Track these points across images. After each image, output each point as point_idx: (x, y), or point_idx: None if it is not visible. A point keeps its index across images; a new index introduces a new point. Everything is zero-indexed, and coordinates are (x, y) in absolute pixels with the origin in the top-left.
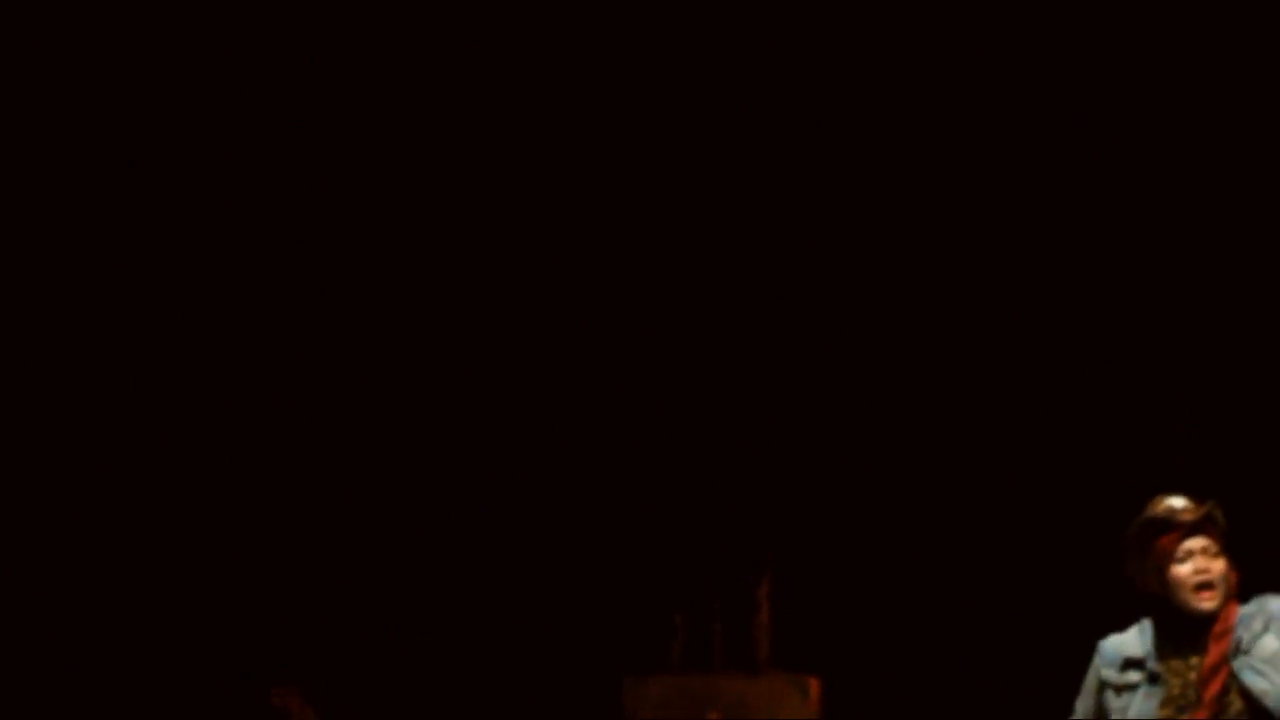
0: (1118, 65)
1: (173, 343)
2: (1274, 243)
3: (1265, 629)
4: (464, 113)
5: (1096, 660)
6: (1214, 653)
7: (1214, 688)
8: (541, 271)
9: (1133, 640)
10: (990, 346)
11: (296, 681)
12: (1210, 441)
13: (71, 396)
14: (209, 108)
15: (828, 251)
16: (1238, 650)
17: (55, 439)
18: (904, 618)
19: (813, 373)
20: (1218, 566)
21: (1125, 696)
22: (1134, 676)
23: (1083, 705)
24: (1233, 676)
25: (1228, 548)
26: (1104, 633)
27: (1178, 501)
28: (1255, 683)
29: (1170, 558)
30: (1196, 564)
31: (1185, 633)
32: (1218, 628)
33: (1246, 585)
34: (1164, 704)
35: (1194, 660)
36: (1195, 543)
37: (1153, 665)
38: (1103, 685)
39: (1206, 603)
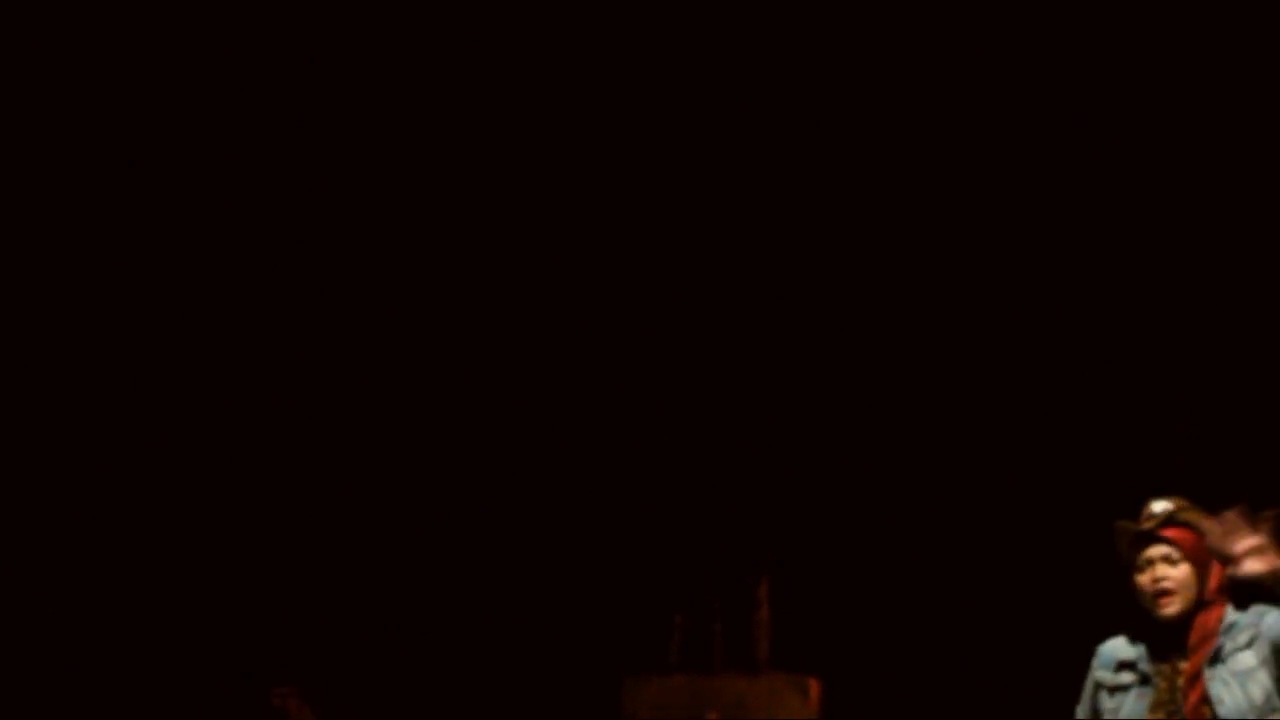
0: (1118, 65)
1: (173, 343)
2: (1274, 243)
3: (1249, 644)
4: (464, 113)
5: (1094, 662)
6: (1193, 662)
7: (1194, 697)
8: (541, 272)
9: (1128, 643)
10: (990, 347)
11: (295, 681)
12: (1210, 441)
13: (71, 396)
14: (209, 108)
15: (827, 252)
16: (1216, 659)
17: (55, 439)
18: (904, 618)
19: (812, 373)
20: (1177, 574)
21: (1118, 697)
22: (1126, 678)
23: (1082, 709)
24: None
25: (1202, 552)
26: (1104, 633)
27: (1154, 506)
28: (1217, 690)
29: (1134, 566)
30: (1154, 572)
31: (1170, 637)
32: (1194, 636)
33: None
34: (1154, 707)
35: (1181, 665)
36: (1155, 550)
37: (1144, 667)
38: (1098, 686)
39: (1165, 609)
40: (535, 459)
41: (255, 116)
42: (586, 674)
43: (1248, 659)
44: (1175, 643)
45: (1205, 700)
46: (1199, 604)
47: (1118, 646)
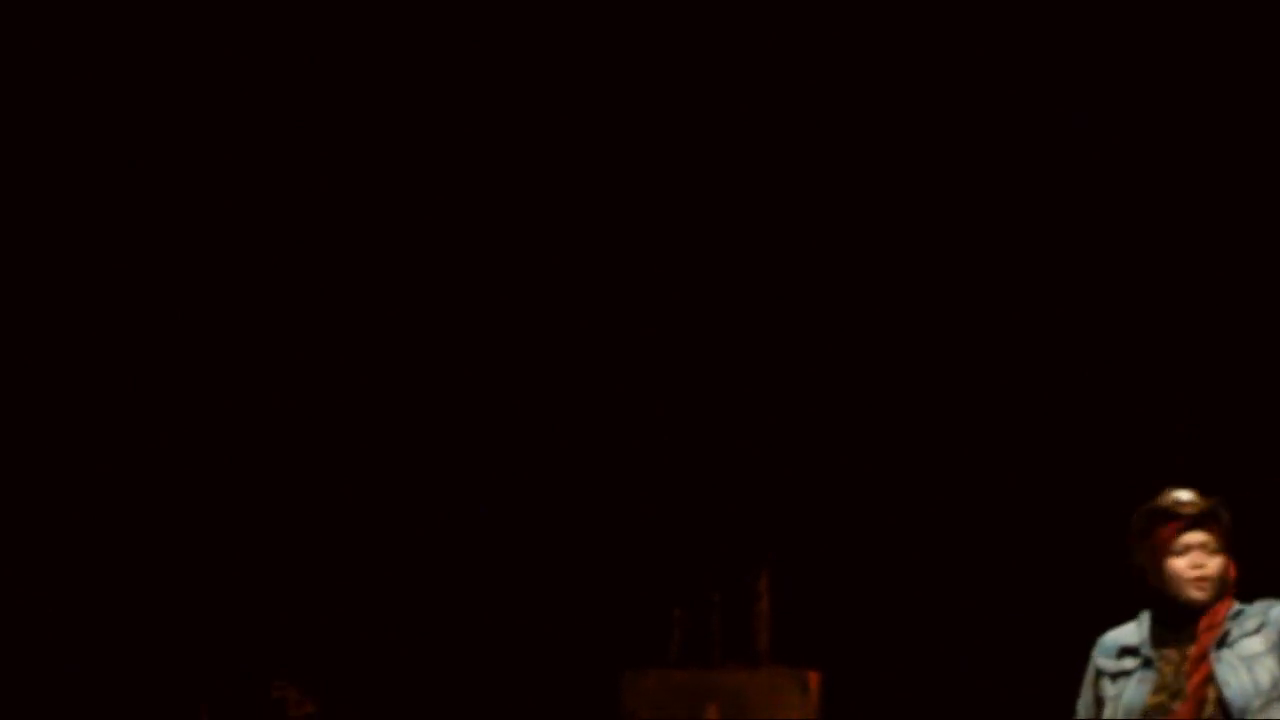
0: (1118, 65)
1: (173, 343)
2: (1274, 243)
3: (1256, 630)
4: (464, 113)
5: (1094, 653)
6: (1200, 644)
7: (1196, 678)
8: (541, 272)
9: (1131, 631)
10: (990, 345)
11: (295, 674)
12: (1210, 441)
13: (71, 396)
14: (209, 108)
15: (827, 252)
16: (1222, 643)
17: (55, 439)
18: (904, 611)
19: (816, 365)
20: (1214, 564)
21: (1120, 682)
22: (1129, 663)
23: (1082, 700)
24: (1213, 668)
25: (1229, 547)
26: (1103, 631)
27: (1184, 494)
28: (1223, 674)
29: (1168, 549)
30: (1193, 558)
31: (1179, 624)
32: (1205, 621)
33: (1246, 585)
34: (1156, 690)
35: (1187, 650)
36: (1195, 537)
37: (1147, 652)
38: (1099, 674)
39: (1198, 592)
40: (535, 455)
41: (255, 116)
42: (586, 668)
43: (1255, 644)
44: (1181, 629)
45: (1208, 681)
46: (1218, 596)
47: (1119, 635)
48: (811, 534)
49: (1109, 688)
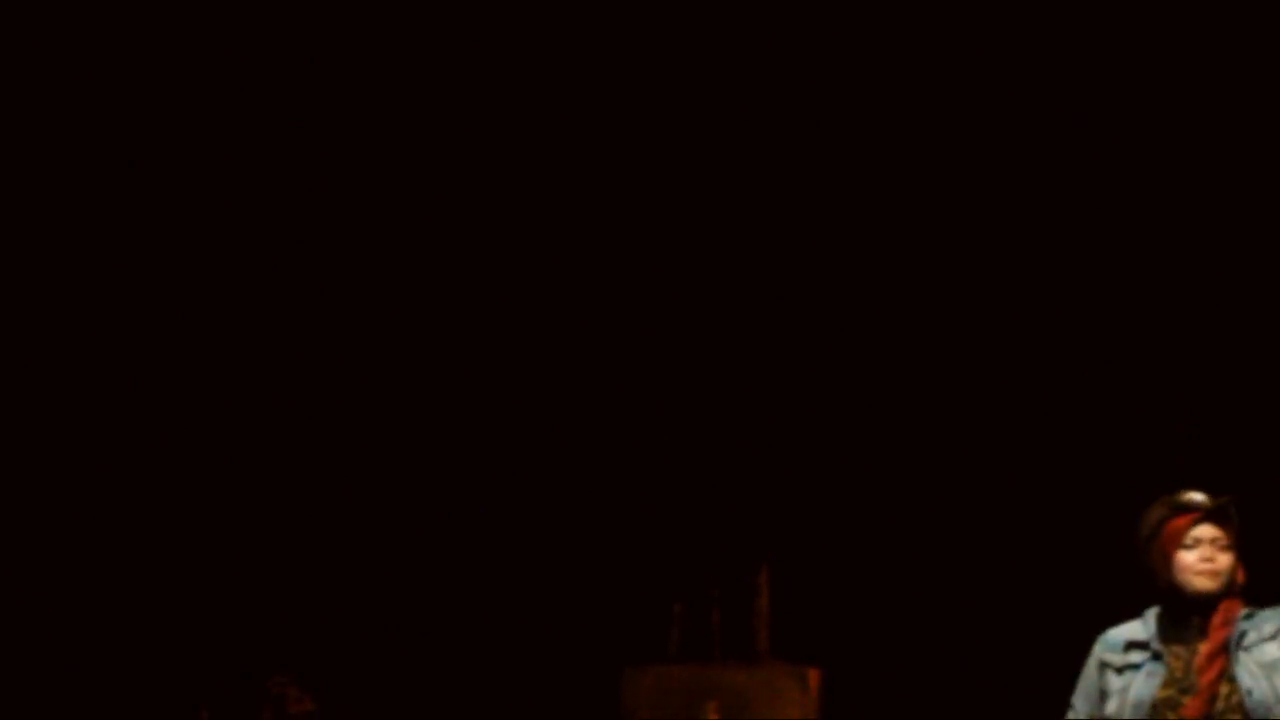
0: (1118, 65)
1: (172, 342)
2: (1274, 243)
3: (1274, 636)
4: (464, 113)
5: (1096, 648)
6: (1213, 640)
7: (1210, 674)
8: (541, 272)
9: (1136, 628)
10: (990, 345)
11: (293, 669)
12: (1210, 441)
13: (71, 396)
14: (209, 108)
15: (827, 252)
16: (1239, 644)
17: (55, 439)
18: (904, 607)
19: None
20: (1224, 559)
21: (1127, 675)
22: (1137, 657)
23: (1082, 693)
24: (1229, 667)
25: (1239, 548)
26: (1101, 622)
27: (1197, 493)
28: (1244, 679)
29: (1179, 541)
30: (1203, 552)
31: (1189, 620)
32: (1218, 618)
33: (1246, 585)
34: (1165, 684)
35: (1195, 646)
36: (1206, 531)
37: (1156, 646)
38: (1103, 666)
39: (1208, 581)
40: (535, 454)
41: (255, 116)
42: (586, 664)
43: (1274, 650)
44: (1191, 625)
45: (1222, 677)
46: (1226, 592)
47: (1124, 631)
48: (811, 531)
49: (1115, 681)
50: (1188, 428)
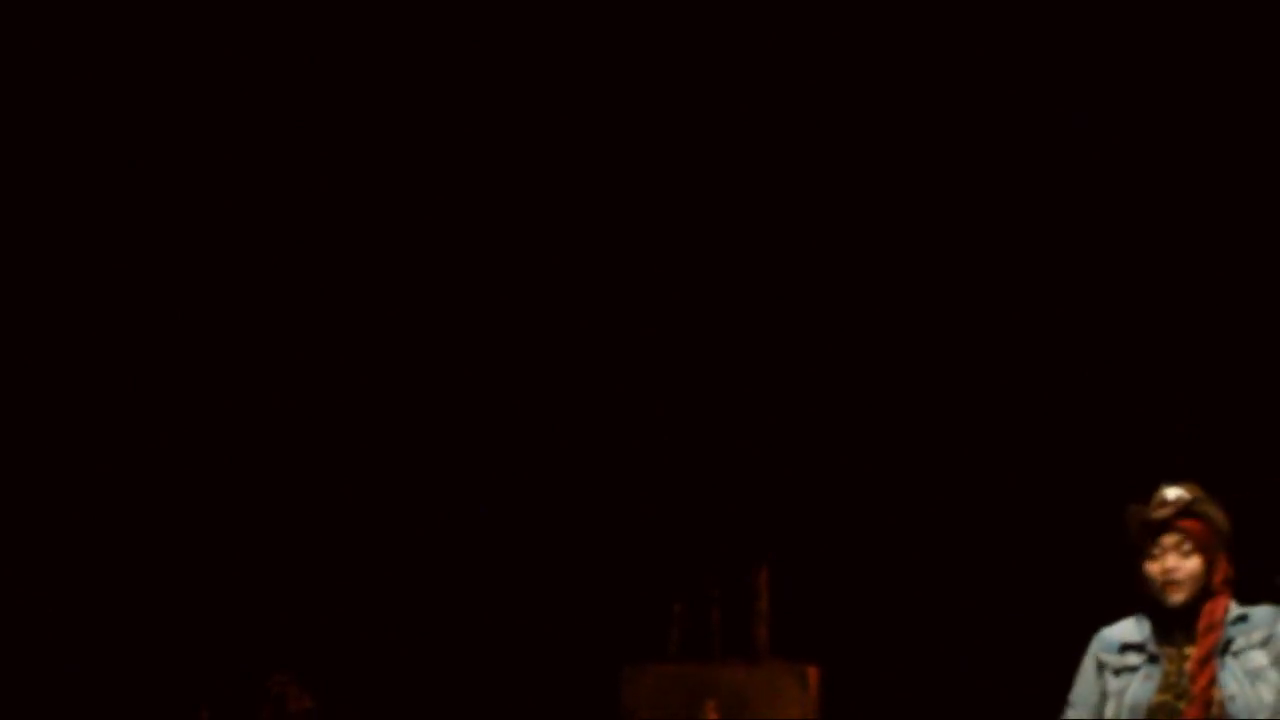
0: (1118, 65)
1: (172, 342)
2: (1274, 243)
3: (1262, 644)
4: (464, 113)
5: (1093, 646)
6: (1202, 646)
7: (1202, 681)
8: (542, 271)
9: (1131, 628)
10: (989, 345)
11: (293, 668)
12: (1210, 441)
13: (71, 396)
14: (209, 108)
15: (826, 251)
16: (1226, 649)
17: (55, 439)
18: (903, 606)
19: (812, 368)
20: (1187, 566)
21: (1125, 677)
22: (1134, 659)
23: (1081, 689)
24: (1218, 672)
25: (1215, 545)
26: (1100, 620)
27: (1166, 493)
28: (1229, 686)
29: (1146, 552)
30: (1165, 562)
31: (1176, 624)
32: (1202, 623)
33: (1246, 585)
34: (1161, 689)
35: (1187, 650)
36: (1168, 539)
37: (1152, 648)
38: (1101, 666)
39: (1172, 595)
40: (535, 454)
41: (255, 116)
42: (586, 663)
43: (1259, 658)
44: (1180, 628)
45: (1214, 683)
46: (1205, 593)
47: (1120, 630)
48: (811, 530)
49: (1112, 682)
50: (1188, 428)
